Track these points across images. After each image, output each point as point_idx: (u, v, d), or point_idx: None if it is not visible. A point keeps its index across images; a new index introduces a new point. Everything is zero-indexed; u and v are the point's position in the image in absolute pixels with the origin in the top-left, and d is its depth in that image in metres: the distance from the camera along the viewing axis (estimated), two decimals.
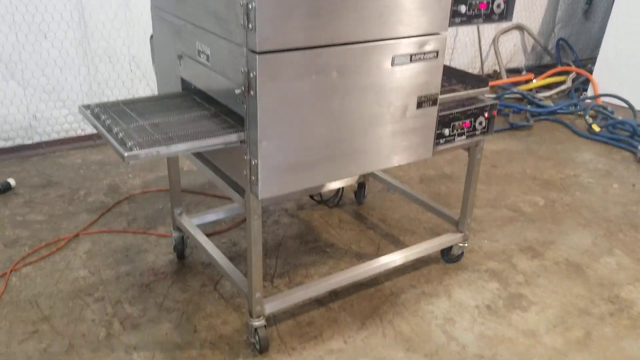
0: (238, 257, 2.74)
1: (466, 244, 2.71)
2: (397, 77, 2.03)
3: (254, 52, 1.72)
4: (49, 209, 3.16)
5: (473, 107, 2.40)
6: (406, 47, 2.01)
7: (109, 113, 2.02)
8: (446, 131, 2.33)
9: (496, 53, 5.47)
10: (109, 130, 1.89)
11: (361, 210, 3.22)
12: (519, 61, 5.83)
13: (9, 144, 3.78)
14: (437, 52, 2.10)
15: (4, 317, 2.31)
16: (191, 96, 2.22)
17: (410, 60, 2.04)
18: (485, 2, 2.21)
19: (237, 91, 1.82)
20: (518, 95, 4.96)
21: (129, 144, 1.75)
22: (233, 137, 1.87)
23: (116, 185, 3.45)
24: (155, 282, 2.55)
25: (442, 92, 2.31)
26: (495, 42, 5.49)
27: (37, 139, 3.87)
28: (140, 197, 3.31)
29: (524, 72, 5.60)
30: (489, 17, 2.26)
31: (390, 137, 2.11)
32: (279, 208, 3.20)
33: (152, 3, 2.35)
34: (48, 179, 3.50)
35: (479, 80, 2.49)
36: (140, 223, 3.04)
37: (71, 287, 2.51)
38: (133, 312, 2.36)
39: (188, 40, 2.10)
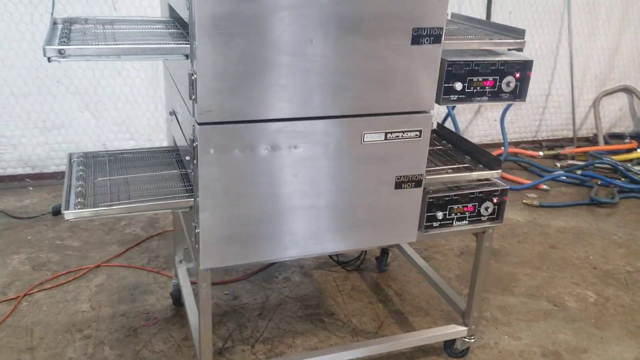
0: (231, 313, 2.69)
1: (472, 340, 2.42)
2: (368, 155, 1.88)
3: (197, 122, 1.68)
4: (87, 236, 3.34)
5: (477, 190, 2.15)
6: (380, 124, 1.85)
7: (88, 164, 2.08)
8: (439, 214, 2.11)
9: (595, 116, 4.95)
10: (77, 180, 1.94)
11: (380, 278, 3.02)
12: (626, 126, 5.23)
13: None
14: (421, 132, 1.91)
15: None
16: (175, 153, 2.23)
17: (385, 138, 1.88)
18: (490, 80, 1.98)
19: (187, 158, 1.79)
20: (609, 166, 4.43)
21: (75, 200, 1.78)
22: (182, 203, 1.84)
23: (156, 219, 3.57)
24: (143, 327, 2.57)
25: (438, 172, 2.12)
26: (595, 104, 4.97)
27: None
28: (172, 234, 3.38)
29: (627, 140, 5.01)
30: (496, 96, 2.03)
31: (360, 217, 1.95)
32: (295, 264, 3.11)
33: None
34: None
35: (493, 161, 2.24)
36: (160, 261, 3.11)
37: (69, 319, 2.61)
38: (109, 357, 2.39)
39: (175, 99, 2.12)
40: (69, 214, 1.73)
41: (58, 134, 3.94)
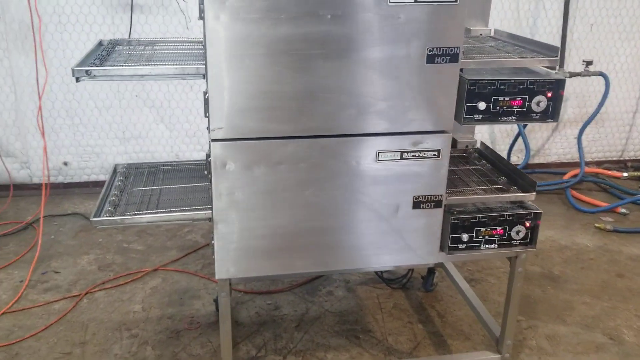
0: (270, 323, 2.75)
1: None
2: (384, 174, 1.88)
3: (210, 138, 1.76)
4: (151, 241, 3.55)
5: (507, 213, 2.07)
6: (395, 143, 1.84)
7: (128, 174, 2.24)
8: (465, 236, 2.05)
9: None
10: (114, 190, 2.10)
11: (425, 298, 2.96)
12: None
13: None
14: (439, 152, 1.88)
15: (56, 334, 2.68)
16: None
17: (401, 157, 1.86)
18: (519, 99, 1.91)
19: (205, 172, 1.88)
20: None
21: (107, 208, 1.93)
22: (201, 215, 1.93)
23: None
24: (185, 331, 2.70)
25: (467, 192, 2.07)
26: None
27: None
28: None
29: None
30: (525, 116, 1.95)
31: (376, 236, 1.94)
32: (341, 278, 3.12)
33: None
34: None
35: (529, 184, 2.14)
36: (212, 268, 3.22)
37: (121, 318, 2.80)
38: (149, 357, 2.53)
39: None
40: (96, 221, 1.87)
41: (136, 144, 4.23)
